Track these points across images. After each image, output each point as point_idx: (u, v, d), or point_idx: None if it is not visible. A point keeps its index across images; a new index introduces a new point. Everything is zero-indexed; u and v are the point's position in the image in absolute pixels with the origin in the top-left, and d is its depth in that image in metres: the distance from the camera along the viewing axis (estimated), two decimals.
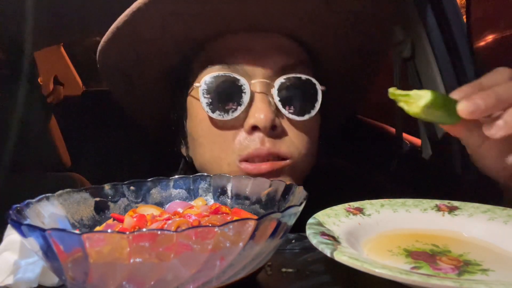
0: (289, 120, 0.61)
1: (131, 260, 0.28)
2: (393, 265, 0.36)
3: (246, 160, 0.59)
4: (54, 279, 0.38)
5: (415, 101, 0.43)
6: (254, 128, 0.59)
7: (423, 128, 1.00)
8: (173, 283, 0.29)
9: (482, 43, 0.95)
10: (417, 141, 1.09)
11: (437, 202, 0.50)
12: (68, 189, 0.43)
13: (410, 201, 0.50)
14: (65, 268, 0.29)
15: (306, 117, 0.61)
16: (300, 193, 0.40)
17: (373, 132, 1.36)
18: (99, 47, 0.65)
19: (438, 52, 0.93)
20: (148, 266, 0.28)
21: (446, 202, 0.49)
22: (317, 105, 0.62)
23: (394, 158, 1.08)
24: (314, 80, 0.62)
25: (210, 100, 0.60)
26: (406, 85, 1.01)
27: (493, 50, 0.96)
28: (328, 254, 0.34)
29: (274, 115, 0.59)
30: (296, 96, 0.61)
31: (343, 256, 0.33)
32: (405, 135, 1.11)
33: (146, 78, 0.70)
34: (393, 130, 1.14)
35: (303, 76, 0.62)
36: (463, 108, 0.42)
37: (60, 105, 1.96)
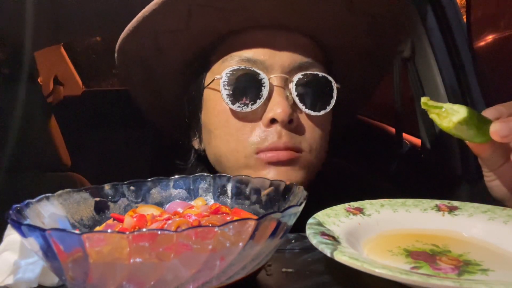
0: (305, 115, 0.63)
1: (131, 260, 0.28)
2: (393, 265, 0.36)
3: (262, 152, 0.60)
4: (54, 279, 0.38)
5: (448, 116, 0.42)
6: (273, 121, 0.60)
7: (423, 128, 1.00)
8: (173, 283, 0.29)
9: (482, 43, 0.95)
10: (417, 141, 1.09)
11: (437, 202, 0.50)
12: (68, 189, 0.43)
13: (410, 201, 0.50)
14: (65, 268, 0.29)
15: (322, 112, 0.63)
16: (300, 193, 0.40)
17: (373, 132, 1.36)
18: (122, 35, 0.65)
19: (438, 52, 0.93)
20: (148, 266, 0.28)
21: (446, 202, 0.49)
22: (333, 102, 0.64)
23: (394, 158, 1.08)
24: (330, 78, 0.64)
25: (231, 92, 0.61)
26: (406, 85, 1.01)
27: (493, 50, 0.96)
28: (328, 254, 0.34)
29: (292, 109, 0.60)
30: (313, 92, 0.62)
31: (343, 256, 0.33)
32: (405, 135, 1.11)
33: (163, 70, 0.70)
34: (393, 130, 1.14)
35: (320, 73, 0.63)
36: (497, 130, 0.41)
37: (60, 105, 1.96)
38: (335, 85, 0.64)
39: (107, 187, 0.46)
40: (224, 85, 0.61)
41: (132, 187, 0.47)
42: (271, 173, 0.60)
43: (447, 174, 0.94)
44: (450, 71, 0.93)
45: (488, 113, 0.44)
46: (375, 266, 0.31)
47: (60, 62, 2.07)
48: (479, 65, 0.91)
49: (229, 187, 0.49)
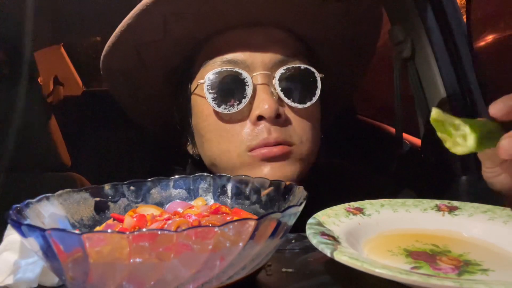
0: (292, 108, 0.63)
1: (131, 260, 0.28)
2: (393, 265, 0.36)
3: (255, 149, 0.60)
4: (54, 279, 0.38)
5: (455, 145, 0.40)
6: (260, 118, 0.60)
7: (423, 128, 1.00)
8: (173, 283, 0.29)
9: (482, 43, 0.95)
10: (417, 141, 1.09)
11: (437, 202, 0.50)
12: (68, 189, 0.43)
13: (410, 201, 0.50)
14: (65, 268, 0.29)
15: (308, 104, 0.63)
16: (300, 193, 0.40)
17: (373, 132, 1.36)
18: (103, 52, 0.66)
19: (438, 52, 0.93)
20: (148, 266, 0.28)
21: (446, 202, 0.49)
22: (317, 92, 0.64)
23: (394, 158, 1.08)
24: (312, 69, 0.64)
25: (215, 95, 0.61)
26: (406, 85, 1.01)
27: (493, 50, 0.96)
28: (328, 254, 0.34)
29: (278, 105, 0.60)
30: (296, 85, 0.63)
31: (343, 256, 0.33)
32: (405, 135, 1.11)
33: (149, 81, 0.71)
34: (393, 130, 1.14)
35: (302, 66, 0.63)
36: (505, 148, 0.40)
37: (60, 105, 1.95)
38: (318, 76, 0.64)
39: (107, 187, 0.46)
40: (208, 89, 0.62)
41: (132, 187, 0.47)
42: (266, 169, 0.60)
43: (447, 174, 0.94)
44: (450, 71, 0.93)
45: (496, 108, 0.42)
46: (375, 266, 0.31)
47: (60, 62, 2.07)
48: (479, 65, 0.91)
49: (229, 187, 0.49)
